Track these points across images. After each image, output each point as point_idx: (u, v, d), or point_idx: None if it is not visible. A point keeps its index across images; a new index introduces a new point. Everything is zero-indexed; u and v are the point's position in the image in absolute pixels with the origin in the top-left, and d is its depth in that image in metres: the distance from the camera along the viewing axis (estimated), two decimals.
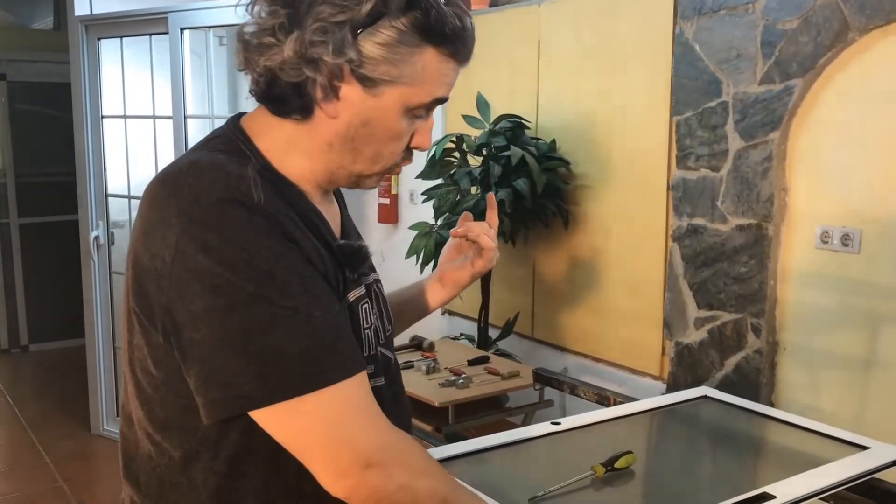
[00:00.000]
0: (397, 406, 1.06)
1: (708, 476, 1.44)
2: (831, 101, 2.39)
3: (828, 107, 2.40)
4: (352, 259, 1.00)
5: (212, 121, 3.63)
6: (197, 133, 3.62)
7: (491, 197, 1.30)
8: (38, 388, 4.96)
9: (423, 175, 3.26)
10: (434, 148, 3.15)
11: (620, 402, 1.75)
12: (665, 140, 2.85)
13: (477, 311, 3.41)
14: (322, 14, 0.88)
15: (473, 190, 3.15)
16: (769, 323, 2.56)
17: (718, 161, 2.65)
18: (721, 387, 2.62)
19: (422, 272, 3.24)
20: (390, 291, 1.21)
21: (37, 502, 3.38)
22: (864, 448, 1.40)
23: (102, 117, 3.86)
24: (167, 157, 3.65)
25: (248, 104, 1.00)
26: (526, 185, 3.01)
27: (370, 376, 0.96)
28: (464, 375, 2.65)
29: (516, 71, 3.47)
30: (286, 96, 0.93)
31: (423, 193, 3.38)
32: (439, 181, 3.28)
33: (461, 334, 3.56)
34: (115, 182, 3.92)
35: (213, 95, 3.71)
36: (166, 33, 3.56)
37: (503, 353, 3.27)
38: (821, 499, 1.26)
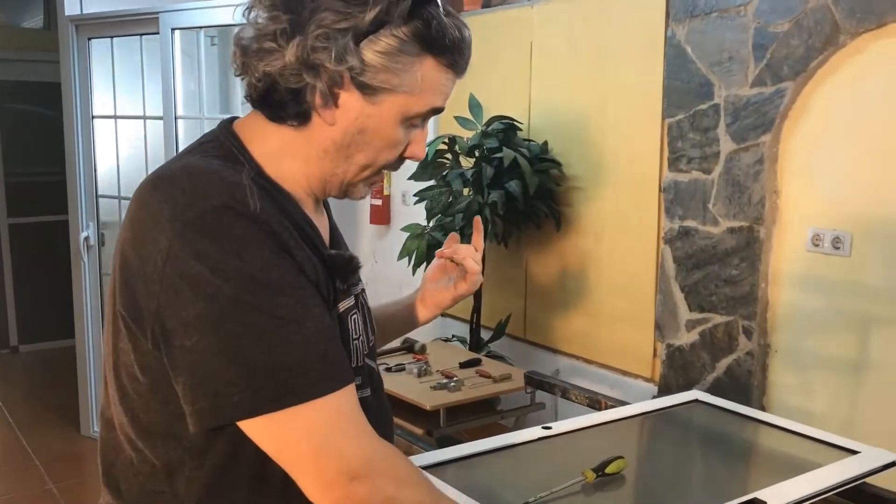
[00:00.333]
0: (381, 416, 1.06)
1: (699, 481, 1.44)
2: (823, 104, 2.39)
3: (819, 110, 2.40)
4: (343, 269, 0.99)
5: (202, 121, 3.61)
6: (187, 134, 3.60)
7: (477, 220, 1.29)
8: (27, 390, 4.94)
9: (416, 176, 3.26)
10: (426, 149, 3.14)
11: (612, 406, 1.75)
12: (657, 142, 2.85)
13: (469, 312, 3.41)
14: (325, 21, 0.87)
15: (466, 191, 3.15)
16: (760, 325, 2.56)
17: (710, 163, 2.65)
18: (712, 389, 2.63)
19: (413, 273, 3.24)
20: (375, 305, 1.21)
21: None
22: (854, 452, 1.41)
23: (93, 117, 3.84)
24: (157, 158, 3.64)
25: (241, 105, 1.00)
26: (518, 186, 3.00)
27: (358, 388, 0.95)
28: (455, 378, 2.65)
29: (509, 72, 3.46)
30: (284, 102, 0.92)
31: (415, 195, 3.38)
32: (431, 182, 3.27)
33: (453, 336, 3.55)
34: (105, 183, 3.91)
35: (203, 96, 3.69)
36: (157, 33, 3.55)
37: (495, 355, 3.27)
38: None
